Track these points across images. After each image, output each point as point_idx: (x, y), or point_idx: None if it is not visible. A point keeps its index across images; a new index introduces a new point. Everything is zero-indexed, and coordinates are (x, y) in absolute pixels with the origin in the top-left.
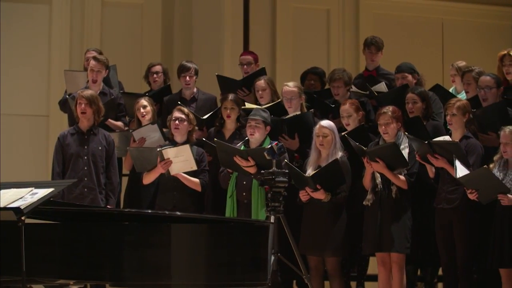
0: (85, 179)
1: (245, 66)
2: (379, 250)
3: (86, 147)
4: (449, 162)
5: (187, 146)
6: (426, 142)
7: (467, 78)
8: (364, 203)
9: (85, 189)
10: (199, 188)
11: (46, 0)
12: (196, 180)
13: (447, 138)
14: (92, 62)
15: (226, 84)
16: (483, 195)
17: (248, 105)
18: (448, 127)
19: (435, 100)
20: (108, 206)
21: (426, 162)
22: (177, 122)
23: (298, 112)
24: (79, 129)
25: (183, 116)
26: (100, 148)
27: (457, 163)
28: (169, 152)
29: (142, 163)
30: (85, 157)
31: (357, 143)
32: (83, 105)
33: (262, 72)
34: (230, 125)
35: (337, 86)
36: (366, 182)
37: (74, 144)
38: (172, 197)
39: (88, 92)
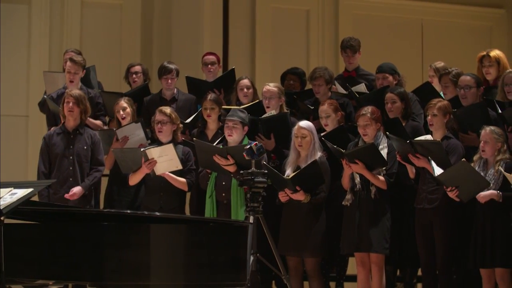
0: (70, 179)
1: (209, 66)
2: (358, 251)
3: (71, 147)
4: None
5: (170, 145)
6: (408, 141)
7: (445, 81)
8: (343, 203)
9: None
10: (186, 188)
11: (25, 0)
12: (183, 179)
13: (428, 137)
14: (68, 64)
15: (196, 85)
16: (464, 192)
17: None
18: (428, 127)
19: (414, 101)
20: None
21: (407, 162)
22: (159, 125)
23: (273, 112)
24: (65, 128)
25: (165, 118)
26: (85, 147)
27: (433, 163)
28: (153, 152)
29: (127, 164)
30: (71, 157)
31: (335, 146)
32: (70, 104)
33: (232, 73)
34: (212, 125)
35: (318, 84)
36: (345, 182)
37: (60, 144)
38: (159, 198)
39: (76, 92)
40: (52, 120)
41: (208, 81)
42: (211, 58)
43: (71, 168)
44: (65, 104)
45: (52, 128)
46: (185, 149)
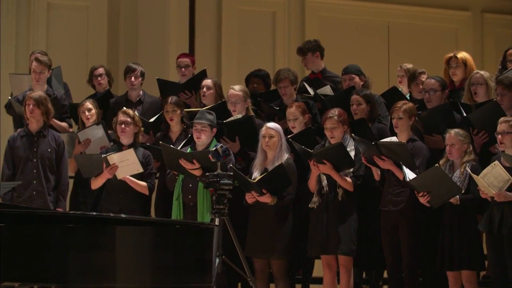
0: (34, 182)
1: (183, 69)
2: (325, 253)
3: (35, 149)
4: (395, 163)
5: (131, 150)
6: (373, 143)
7: (419, 79)
8: (310, 205)
9: (34, 192)
10: (146, 192)
11: None
12: (143, 183)
13: (393, 139)
14: (34, 64)
15: (167, 87)
16: (435, 198)
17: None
18: (394, 130)
19: (381, 103)
20: (58, 209)
21: (372, 165)
22: (123, 125)
23: (239, 116)
24: (28, 131)
25: (128, 119)
26: (49, 150)
27: (404, 168)
28: (114, 158)
29: (89, 169)
30: (35, 160)
31: (303, 146)
32: (31, 106)
33: (203, 74)
34: (175, 128)
35: (284, 86)
36: (312, 184)
37: (24, 147)
38: (119, 200)
39: (37, 93)
40: (18, 122)
41: (179, 83)
42: (185, 60)
43: (35, 171)
44: (26, 107)
45: (18, 130)
46: (145, 153)
